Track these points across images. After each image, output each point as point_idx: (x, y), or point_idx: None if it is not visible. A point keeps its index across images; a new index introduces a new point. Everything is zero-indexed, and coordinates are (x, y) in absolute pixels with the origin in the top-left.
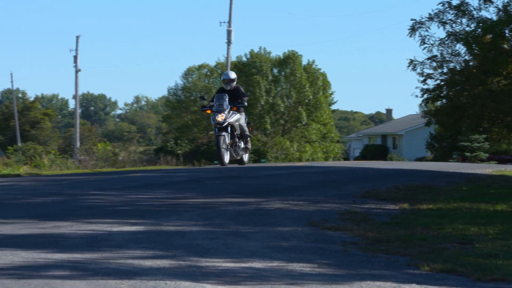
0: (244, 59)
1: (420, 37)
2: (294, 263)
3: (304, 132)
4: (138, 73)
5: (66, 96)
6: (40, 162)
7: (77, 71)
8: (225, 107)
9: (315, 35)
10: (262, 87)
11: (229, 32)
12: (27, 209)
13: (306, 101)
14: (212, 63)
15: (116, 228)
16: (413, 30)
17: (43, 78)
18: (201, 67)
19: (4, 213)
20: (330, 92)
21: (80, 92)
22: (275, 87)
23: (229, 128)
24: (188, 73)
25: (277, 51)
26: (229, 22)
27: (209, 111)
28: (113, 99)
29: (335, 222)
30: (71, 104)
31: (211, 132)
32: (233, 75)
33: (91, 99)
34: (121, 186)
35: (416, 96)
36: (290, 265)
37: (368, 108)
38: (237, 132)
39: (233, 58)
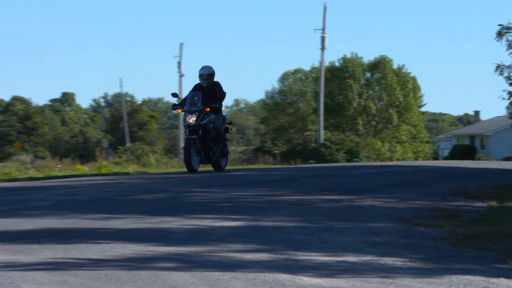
0: (337, 64)
1: (507, 42)
2: (386, 257)
3: (394, 133)
4: (237, 77)
5: (171, 99)
6: (147, 161)
7: (180, 75)
8: (197, 107)
9: (406, 40)
10: (355, 90)
11: (323, 39)
12: (136, 205)
13: (397, 103)
14: (307, 68)
15: (218, 223)
16: (500, 35)
17: (149, 83)
18: (296, 71)
19: (115, 208)
20: (419, 95)
21: (182, 96)
22: (367, 90)
23: (200, 130)
24: (284, 77)
25: (368, 56)
26: (323, 29)
27: (180, 111)
28: None
29: (425, 218)
30: None
31: (306, 133)
32: (210, 69)
33: None
34: (222, 184)
35: (503, 98)
36: (382, 259)
37: (456, 110)
38: (211, 135)
39: (326, 63)
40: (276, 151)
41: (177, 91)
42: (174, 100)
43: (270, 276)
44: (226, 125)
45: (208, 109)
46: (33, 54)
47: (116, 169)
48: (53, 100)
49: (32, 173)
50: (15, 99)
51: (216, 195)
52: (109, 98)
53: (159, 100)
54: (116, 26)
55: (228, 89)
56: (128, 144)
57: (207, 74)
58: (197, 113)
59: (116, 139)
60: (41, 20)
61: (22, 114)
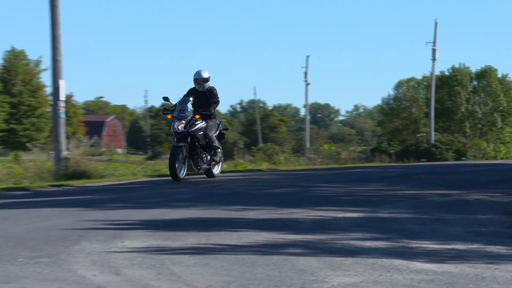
0: (446, 73)
1: None
2: (492, 245)
3: (498, 135)
4: (356, 85)
5: (298, 105)
6: (277, 160)
7: (306, 84)
8: (186, 114)
9: (509, 50)
10: (462, 96)
11: (433, 51)
12: (268, 198)
13: (501, 108)
14: (419, 77)
15: (340, 215)
16: None
17: (279, 90)
18: (409, 80)
19: (250, 201)
20: None
21: (309, 102)
22: (474, 97)
23: (189, 138)
24: (398, 85)
25: (475, 66)
26: (434, 42)
27: (169, 116)
28: (336, 107)
29: None
30: (302, 111)
31: (418, 135)
32: (205, 74)
33: (318, 107)
34: (343, 180)
35: None
36: (488, 247)
37: None
38: (201, 143)
39: (436, 72)
40: (391, 151)
41: (303, 98)
42: (185, 99)
43: (386, 261)
44: (222, 131)
45: (197, 116)
46: (180, 64)
47: (251, 166)
48: None
49: None
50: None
51: (338, 189)
52: (244, 104)
53: (288, 105)
54: (250, 41)
55: (349, 95)
56: (261, 145)
57: (202, 79)
58: (186, 119)
59: (250, 140)
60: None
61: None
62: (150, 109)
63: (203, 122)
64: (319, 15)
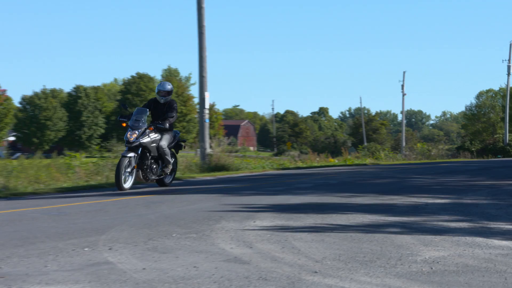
0: None
1: None
2: None
3: None
4: (444, 94)
5: (395, 111)
6: (378, 156)
7: (403, 95)
8: (140, 124)
9: None
10: None
11: (508, 67)
12: (371, 187)
13: None
14: (496, 88)
15: (430, 201)
16: None
17: (380, 99)
18: (488, 91)
19: (356, 189)
20: None
21: (405, 109)
22: None
23: (140, 149)
24: (479, 95)
25: None
26: (509, 60)
27: (124, 124)
28: (427, 113)
29: None
30: (399, 117)
31: (495, 136)
32: (169, 86)
33: (412, 113)
34: (433, 172)
35: None
36: None
37: None
38: (152, 154)
39: (511, 84)
40: (473, 149)
41: (400, 106)
42: (143, 110)
43: (469, 239)
44: (179, 143)
45: (151, 128)
46: (303, 76)
47: (357, 161)
48: (313, 113)
49: (299, 163)
50: (287, 112)
51: (429, 180)
52: (352, 111)
53: (388, 112)
54: (356, 59)
55: (438, 103)
56: (365, 144)
57: (166, 91)
58: (139, 130)
59: (357, 140)
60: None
61: (292, 122)
62: (276, 115)
63: (157, 134)
64: (415, 36)
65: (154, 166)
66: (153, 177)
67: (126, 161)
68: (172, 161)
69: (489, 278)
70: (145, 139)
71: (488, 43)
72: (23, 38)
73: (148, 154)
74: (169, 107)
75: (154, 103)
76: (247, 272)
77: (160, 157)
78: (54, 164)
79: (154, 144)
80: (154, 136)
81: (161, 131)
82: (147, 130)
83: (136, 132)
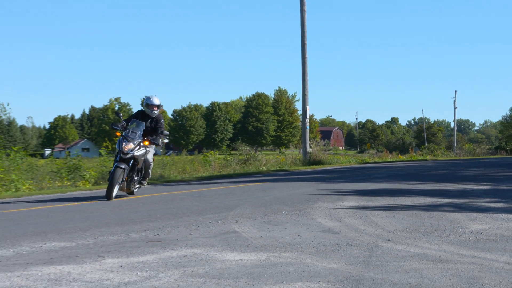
0: None
1: None
2: None
3: None
4: (485, 105)
5: (449, 120)
6: (436, 154)
7: (455, 108)
8: (136, 137)
9: None
10: None
11: None
12: (430, 177)
13: None
14: None
15: (475, 187)
16: None
17: (437, 111)
18: None
19: (419, 178)
20: None
21: (456, 118)
22: None
23: (131, 161)
24: None
25: None
26: None
27: (119, 134)
28: (473, 121)
29: None
30: (452, 124)
31: None
32: (158, 101)
33: (461, 121)
34: (477, 166)
35: None
36: None
37: None
38: (139, 167)
39: None
40: (507, 148)
41: (452, 117)
42: (142, 124)
43: (505, 216)
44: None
45: (147, 143)
46: (385, 89)
47: (420, 158)
48: (387, 121)
49: (376, 159)
50: (367, 120)
51: (474, 171)
52: (416, 120)
53: (443, 120)
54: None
55: (481, 113)
56: (426, 144)
57: (156, 105)
58: (135, 142)
59: (420, 142)
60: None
61: (371, 128)
62: (359, 123)
63: (148, 148)
64: (467, 55)
65: (136, 178)
66: (133, 188)
67: (120, 171)
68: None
69: None
70: (139, 152)
71: None
72: (193, 64)
73: (135, 165)
74: (157, 121)
75: (141, 115)
76: (337, 239)
77: (142, 169)
78: (196, 159)
79: (143, 157)
80: (145, 149)
81: (152, 145)
82: (142, 143)
83: (132, 144)
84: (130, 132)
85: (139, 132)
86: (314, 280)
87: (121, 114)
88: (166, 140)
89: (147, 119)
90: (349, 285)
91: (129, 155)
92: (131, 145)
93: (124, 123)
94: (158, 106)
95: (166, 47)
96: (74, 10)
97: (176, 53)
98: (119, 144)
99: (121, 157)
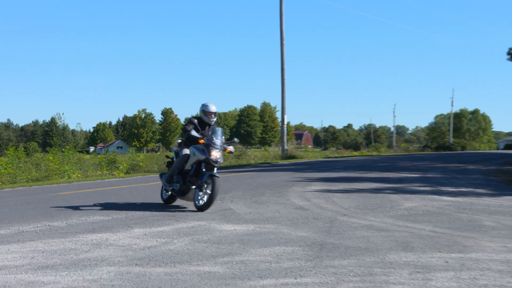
0: None
1: None
2: (477, 189)
3: None
4: (417, 113)
5: (389, 125)
6: (380, 150)
7: (394, 117)
8: (221, 145)
9: None
10: None
11: (452, 101)
12: (376, 167)
13: None
14: (445, 112)
15: (409, 175)
16: None
17: (382, 117)
18: (441, 114)
19: (367, 169)
20: None
21: (396, 123)
22: None
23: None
24: (436, 116)
25: None
26: (452, 98)
27: (202, 141)
28: (407, 126)
29: (494, 173)
30: (392, 128)
31: (445, 139)
32: (215, 108)
33: (399, 126)
34: (410, 159)
35: None
36: (475, 190)
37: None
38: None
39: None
40: (432, 146)
41: (392, 125)
42: (222, 131)
43: (430, 196)
44: None
45: (228, 150)
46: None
47: (368, 154)
48: (344, 126)
49: (336, 155)
50: (330, 126)
51: (408, 164)
52: (366, 125)
53: (386, 125)
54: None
55: (412, 119)
56: (373, 143)
57: (214, 113)
58: (220, 150)
59: (368, 141)
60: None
61: (332, 131)
62: (323, 128)
63: None
64: (465, 58)
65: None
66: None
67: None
68: None
69: (440, 217)
70: (222, 160)
71: (441, 79)
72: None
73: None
74: (215, 129)
75: (199, 122)
76: (306, 214)
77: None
78: None
79: None
80: None
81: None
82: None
83: (220, 152)
84: (220, 141)
85: (222, 140)
86: (289, 245)
87: (189, 129)
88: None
89: (204, 126)
90: (315, 248)
91: (219, 163)
92: (219, 154)
93: (193, 131)
94: (215, 114)
95: (178, 66)
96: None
97: (190, 71)
98: (207, 152)
99: (210, 166)
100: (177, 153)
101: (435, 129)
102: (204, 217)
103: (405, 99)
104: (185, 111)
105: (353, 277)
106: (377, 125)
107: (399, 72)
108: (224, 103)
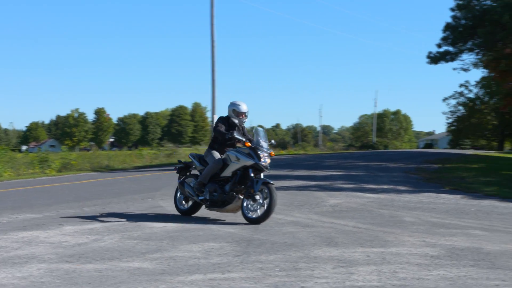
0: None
1: None
2: (398, 186)
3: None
4: (342, 112)
5: (315, 125)
6: (307, 149)
7: (320, 117)
8: (267, 148)
9: None
10: None
11: (375, 101)
12: (303, 165)
13: None
14: (369, 113)
15: (334, 173)
16: None
17: (309, 118)
18: (365, 114)
19: (295, 167)
20: None
21: (322, 123)
22: None
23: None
24: (360, 116)
25: None
26: (375, 100)
27: (248, 144)
28: (333, 126)
29: (414, 171)
30: (318, 128)
31: (368, 138)
32: (246, 107)
33: (325, 126)
34: (335, 158)
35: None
36: (396, 187)
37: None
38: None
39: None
40: (356, 145)
41: (318, 125)
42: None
43: (354, 193)
44: None
45: (273, 154)
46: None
47: (296, 152)
48: (273, 126)
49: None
50: (259, 125)
51: (333, 162)
52: (293, 125)
53: (312, 125)
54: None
55: (334, 119)
56: (300, 143)
57: (245, 113)
58: (267, 154)
59: (295, 141)
60: None
61: None
62: (252, 127)
63: None
64: (388, 60)
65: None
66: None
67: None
68: None
69: (363, 214)
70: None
71: (364, 81)
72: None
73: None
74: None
75: (227, 123)
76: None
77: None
78: (133, 154)
79: None
80: None
81: None
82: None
83: (268, 156)
84: (260, 142)
85: (267, 143)
86: (218, 241)
87: (223, 130)
88: None
89: (233, 128)
90: (242, 244)
91: (269, 169)
92: (268, 158)
93: (236, 133)
94: (247, 114)
95: (115, 64)
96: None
97: (124, 69)
98: (257, 157)
99: (254, 170)
100: (200, 158)
101: (359, 129)
102: (135, 214)
103: (331, 100)
104: (117, 111)
105: (279, 272)
106: (304, 125)
107: (325, 74)
108: (155, 103)
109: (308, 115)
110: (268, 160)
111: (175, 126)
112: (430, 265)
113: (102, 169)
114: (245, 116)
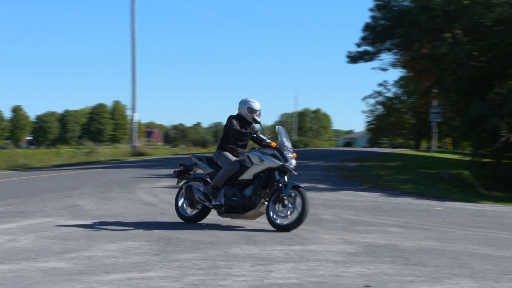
0: None
1: None
2: (318, 184)
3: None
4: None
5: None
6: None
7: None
8: (291, 148)
9: None
10: None
11: (296, 100)
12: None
13: None
14: (289, 112)
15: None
16: None
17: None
18: (286, 113)
19: None
20: None
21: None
22: None
23: None
24: (281, 115)
25: None
26: (296, 98)
27: (274, 144)
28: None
29: (333, 169)
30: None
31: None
32: (259, 105)
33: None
34: (320, 156)
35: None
36: (316, 185)
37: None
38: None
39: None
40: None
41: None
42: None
43: (329, 194)
44: None
45: (295, 156)
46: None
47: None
48: (194, 124)
49: (184, 151)
50: (180, 124)
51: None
52: (215, 123)
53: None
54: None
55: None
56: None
57: (259, 111)
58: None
59: (216, 139)
60: None
61: (182, 129)
62: (175, 126)
63: None
64: (308, 58)
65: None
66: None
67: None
68: None
69: None
70: None
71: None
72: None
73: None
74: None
75: (240, 122)
76: (154, 210)
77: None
78: (51, 152)
79: None
80: None
81: None
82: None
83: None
84: (284, 142)
85: (290, 143)
86: (136, 240)
87: (238, 128)
88: None
89: (246, 126)
90: (161, 243)
91: (296, 173)
92: (294, 161)
93: (256, 132)
94: (260, 112)
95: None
96: None
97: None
98: (284, 158)
99: (280, 172)
100: (208, 160)
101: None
102: (51, 213)
103: (253, 98)
104: (35, 109)
105: (198, 270)
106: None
107: (247, 72)
108: (75, 101)
109: (229, 113)
110: (294, 162)
111: (94, 124)
112: (347, 262)
113: (18, 167)
114: (259, 114)
